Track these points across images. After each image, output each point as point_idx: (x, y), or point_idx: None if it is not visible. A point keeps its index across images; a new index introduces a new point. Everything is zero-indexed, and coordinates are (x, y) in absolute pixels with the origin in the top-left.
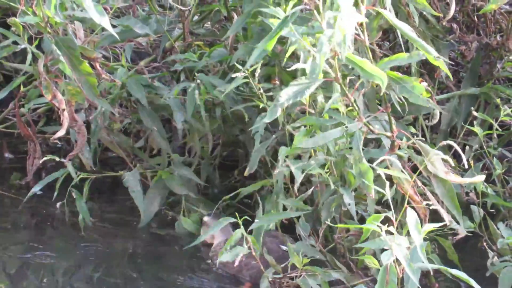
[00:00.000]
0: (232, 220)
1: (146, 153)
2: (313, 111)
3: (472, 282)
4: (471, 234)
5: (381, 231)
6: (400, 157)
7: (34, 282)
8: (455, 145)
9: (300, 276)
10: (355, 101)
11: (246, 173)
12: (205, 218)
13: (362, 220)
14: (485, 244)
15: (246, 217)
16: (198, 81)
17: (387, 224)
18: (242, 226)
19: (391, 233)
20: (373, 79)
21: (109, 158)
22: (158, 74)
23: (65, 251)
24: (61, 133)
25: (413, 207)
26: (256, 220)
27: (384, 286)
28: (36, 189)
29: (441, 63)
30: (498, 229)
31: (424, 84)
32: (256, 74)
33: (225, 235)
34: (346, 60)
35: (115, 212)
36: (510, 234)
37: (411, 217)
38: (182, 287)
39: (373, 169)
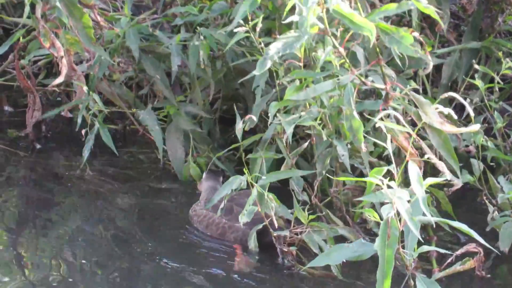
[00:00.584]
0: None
1: (148, 104)
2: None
3: (473, 233)
4: (471, 189)
5: (383, 184)
6: (394, 109)
7: (33, 237)
8: (457, 96)
9: (306, 231)
10: (350, 53)
11: (246, 128)
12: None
13: (360, 175)
14: (484, 198)
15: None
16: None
17: (388, 178)
18: (256, 185)
19: (391, 187)
20: (361, 31)
21: (110, 112)
22: (158, 19)
23: (66, 205)
24: (59, 80)
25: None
26: (263, 177)
27: (385, 240)
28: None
29: (432, 11)
30: (498, 183)
31: (415, 34)
32: (257, 28)
33: (209, 192)
34: (334, 12)
35: (116, 167)
36: (510, 189)
37: (413, 170)
38: (184, 243)
39: (370, 121)
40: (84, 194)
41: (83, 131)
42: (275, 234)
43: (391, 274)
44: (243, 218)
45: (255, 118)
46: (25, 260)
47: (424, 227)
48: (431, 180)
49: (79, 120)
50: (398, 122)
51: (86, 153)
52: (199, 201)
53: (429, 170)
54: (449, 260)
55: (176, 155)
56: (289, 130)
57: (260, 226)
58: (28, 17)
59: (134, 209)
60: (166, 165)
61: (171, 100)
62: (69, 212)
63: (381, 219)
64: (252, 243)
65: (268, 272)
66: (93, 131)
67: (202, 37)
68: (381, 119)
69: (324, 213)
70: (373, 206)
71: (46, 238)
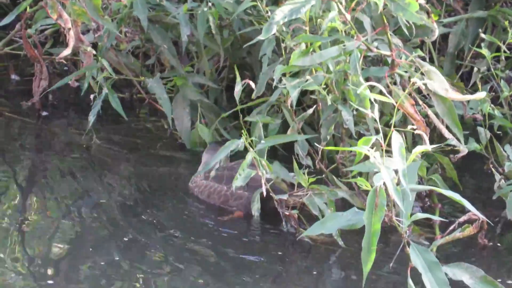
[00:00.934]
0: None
1: (154, 73)
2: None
3: (465, 203)
4: (477, 158)
5: (371, 154)
6: (400, 76)
7: (39, 204)
8: None
9: (307, 195)
10: (356, 22)
11: (253, 96)
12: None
13: None
14: (491, 166)
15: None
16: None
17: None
18: (252, 149)
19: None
20: None
21: (116, 82)
22: None
23: (72, 173)
24: (66, 52)
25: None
26: (262, 142)
27: (373, 209)
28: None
29: None
30: (505, 151)
31: (421, 1)
32: None
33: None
34: None
35: (123, 135)
36: None
37: (396, 141)
38: (189, 211)
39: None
40: (91, 162)
41: (91, 96)
42: (276, 198)
43: (376, 243)
44: (237, 182)
45: (252, 84)
46: (31, 226)
47: (429, 195)
48: (419, 149)
49: (86, 85)
50: (404, 89)
51: (92, 117)
52: (198, 172)
53: (436, 138)
54: (451, 228)
55: (183, 124)
56: (294, 94)
57: (263, 190)
58: None
59: (140, 177)
60: (173, 134)
61: (178, 70)
62: (75, 179)
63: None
64: (255, 207)
65: (272, 239)
66: (101, 96)
67: (210, 5)
68: (387, 85)
69: (329, 178)
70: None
71: (51, 205)
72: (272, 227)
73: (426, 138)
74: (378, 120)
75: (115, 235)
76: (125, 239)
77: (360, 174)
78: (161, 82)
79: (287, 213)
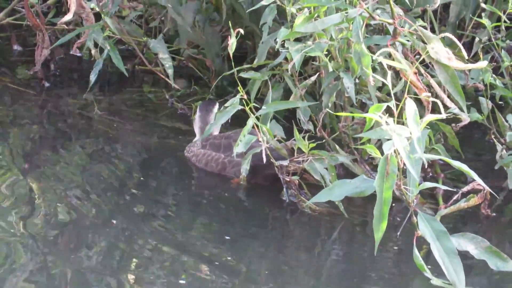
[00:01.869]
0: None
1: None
2: None
3: (472, 173)
4: (479, 128)
5: (382, 120)
6: (403, 45)
7: (41, 175)
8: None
9: (307, 160)
10: None
11: (254, 64)
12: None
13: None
14: (493, 136)
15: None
16: None
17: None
18: (253, 115)
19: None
20: None
21: (118, 51)
22: None
23: (74, 145)
24: (68, 17)
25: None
26: (263, 107)
27: (384, 176)
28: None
29: None
30: (506, 121)
31: None
32: None
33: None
34: None
35: (125, 105)
36: None
37: (410, 107)
38: (190, 182)
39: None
40: (92, 133)
41: (93, 51)
42: (277, 163)
43: (388, 211)
44: (238, 148)
45: (242, 31)
46: (32, 198)
47: (432, 165)
48: (430, 117)
49: (88, 44)
50: (406, 58)
51: (93, 77)
52: (194, 142)
53: (437, 107)
54: (454, 198)
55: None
56: (297, 57)
57: (257, 150)
58: None
59: (141, 147)
60: (174, 105)
61: (184, 26)
62: (77, 151)
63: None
64: (245, 167)
65: (272, 208)
66: (102, 55)
67: None
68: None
69: (331, 146)
70: (380, 143)
71: (53, 177)
72: (272, 195)
73: (428, 106)
74: (390, 85)
75: (116, 207)
76: (126, 210)
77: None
78: (163, 42)
79: (288, 179)
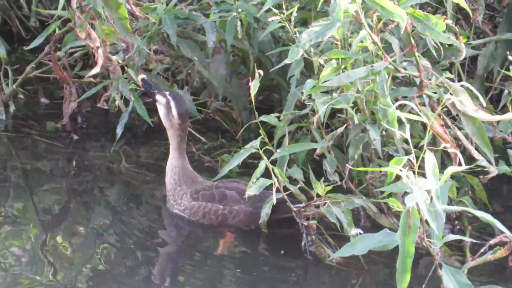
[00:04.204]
0: None
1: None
2: None
3: (497, 223)
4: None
5: (403, 174)
6: (429, 97)
7: (68, 227)
8: None
9: (325, 204)
10: (385, 43)
11: (281, 117)
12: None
13: None
14: None
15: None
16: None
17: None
18: (265, 157)
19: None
20: (393, 17)
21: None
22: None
23: (101, 197)
24: (95, 70)
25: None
26: (277, 151)
27: (406, 230)
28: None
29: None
30: None
31: (448, 21)
32: (292, 18)
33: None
34: None
35: (152, 158)
36: None
37: (429, 160)
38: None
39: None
40: (119, 186)
41: (117, 102)
42: (295, 208)
43: (410, 264)
44: (250, 190)
45: (261, 72)
46: (56, 248)
47: (460, 217)
48: (452, 169)
49: (113, 94)
50: (433, 110)
51: (119, 130)
52: (179, 195)
53: (466, 160)
54: (482, 250)
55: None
56: (323, 109)
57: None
58: (64, 9)
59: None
60: (201, 157)
61: (210, 79)
62: (103, 204)
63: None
64: (266, 212)
65: (290, 257)
66: (128, 108)
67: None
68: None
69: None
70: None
71: (80, 230)
72: (287, 242)
73: (460, 156)
74: (410, 139)
75: (139, 261)
76: (149, 267)
77: (389, 195)
78: (189, 95)
79: (306, 224)
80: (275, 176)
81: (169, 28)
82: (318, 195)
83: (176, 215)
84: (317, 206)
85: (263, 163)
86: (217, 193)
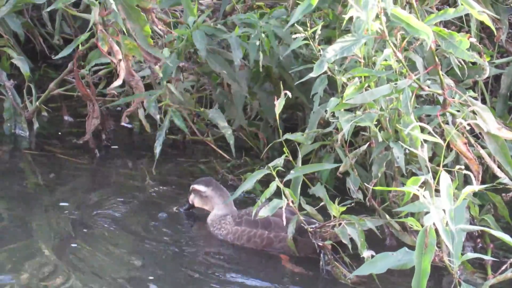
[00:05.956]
0: None
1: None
2: None
3: None
4: None
5: (420, 193)
6: (452, 115)
7: (93, 243)
8: None
9: (340, 225)
10: (409, 62)
11: (305, 135)
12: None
13: None
14: None
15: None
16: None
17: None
18: (277, 178)
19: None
20: (418, 34)
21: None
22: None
23: (125, 215)
24: (117, 83)
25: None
26: (291, 172)
27: (422, 249)
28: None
29: (486, 18)
30: None
31: (472, 39)
32: (316, 36)
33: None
34: (391, 16)
35: (175, 176)
36: None
37: (444, 180)
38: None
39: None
40: (144, 203)
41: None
42: (310, 228)
43: (426, 284)
44: (263, 212)
45: (289, 94)
46: (81, 263)
47: (482, 235)
48: (469, 189)
49: (152, 110)
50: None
51: (157, 148)
52: (221, 218)
53: (489, 178)
54: (503, 268)
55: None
56: (346, 127)
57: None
58: (90, 30)
59: (193, 219)
60: (225, 176)
61: (241, 91)
62: (128, 221)
63: None
64: (291, 228)
65: (309, 278)
66: (163, 127)
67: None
68: (439, 124)
69: (381, 216)
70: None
71: (107, 248)
72: (306, 262)
73: (478, 176)
74: (427, 159)
75: (161, 278)
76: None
77: (411, 213)
78: (221, 112)
79: (321, 244)
80: (285, 197)
81: (199, 43)
82: (334, 216)
83: (198, 233)
84: (333, 227)
85: (274, 183)
86: (260, 220)
